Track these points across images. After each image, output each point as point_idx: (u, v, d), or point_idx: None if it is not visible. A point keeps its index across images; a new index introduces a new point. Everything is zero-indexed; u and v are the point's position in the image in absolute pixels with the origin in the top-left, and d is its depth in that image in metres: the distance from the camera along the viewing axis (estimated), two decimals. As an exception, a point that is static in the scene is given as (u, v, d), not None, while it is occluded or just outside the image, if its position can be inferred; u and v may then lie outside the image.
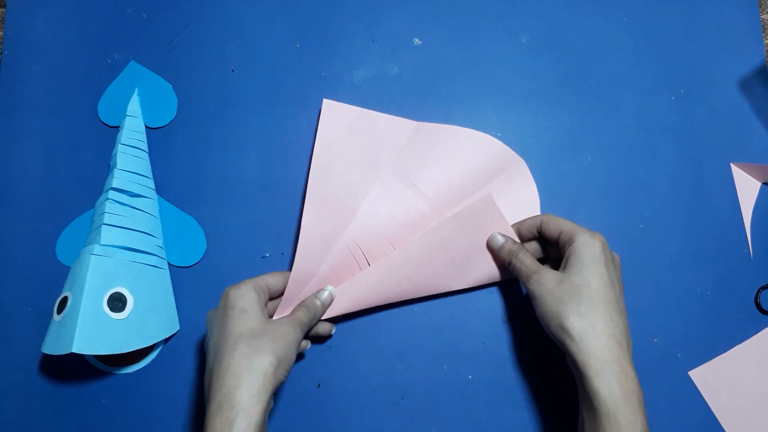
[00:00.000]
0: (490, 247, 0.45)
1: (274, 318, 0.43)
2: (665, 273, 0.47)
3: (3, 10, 0.54)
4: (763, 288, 0.47)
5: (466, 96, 0.50)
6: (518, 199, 0.47)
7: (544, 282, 0.39)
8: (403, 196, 0.46)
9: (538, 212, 0.47)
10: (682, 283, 0.47)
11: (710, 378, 0.46)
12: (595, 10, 0.51)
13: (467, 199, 0.46)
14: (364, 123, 0.47)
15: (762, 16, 0.51)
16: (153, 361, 0.47)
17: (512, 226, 0.45)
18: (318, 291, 0.44)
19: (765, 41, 0.50)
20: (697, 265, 0.47)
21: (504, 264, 0.44)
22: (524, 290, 0.46)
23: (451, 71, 0.50)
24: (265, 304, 0.41)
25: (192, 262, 0.48)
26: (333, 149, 0.46)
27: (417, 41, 0.51)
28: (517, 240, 0.44)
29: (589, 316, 0.36)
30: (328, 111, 0.47)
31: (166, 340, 0.47)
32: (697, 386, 0.46)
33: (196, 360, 0.47)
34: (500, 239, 0.44)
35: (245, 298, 0.39)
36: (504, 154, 0.48)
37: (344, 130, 0.47)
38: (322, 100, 0.47)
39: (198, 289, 0.48)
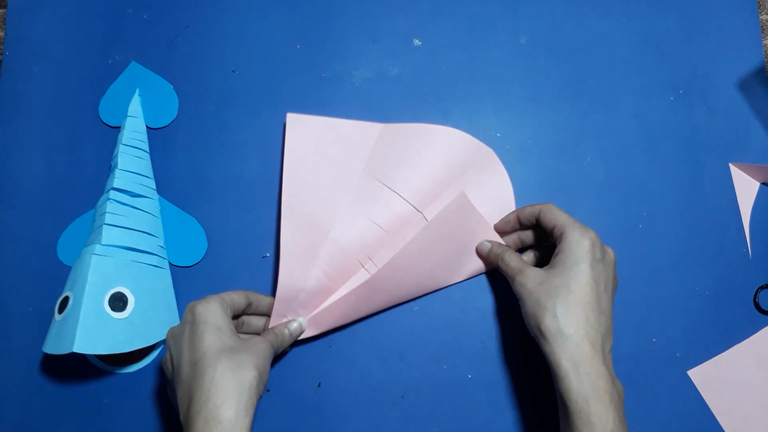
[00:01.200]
0: (480, 254, 0.45)
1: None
2: (664, 273, 0.47)
3: (4, 10, 0.54)
4: (762, 288, 0.47)
5: (466, 96, 0.50)
6: (492, 190, 0.47)
7: (525, 283, 0.39)
8: (378, 200, 0.46)
9: (512, 200, 0.48)
10: (681, 283, 0.47)
11: (709, 377, 0.46)
12: (594, 11, 0.51)
13: (443, 194, 0.46)
14: (330, 131, 0.47)
15: (761, 17, 0.51)
16: (154, 360, 0.47)
17: (513, 212, 0.45)
18: (289, 321, 0.43)
19: (764, 42, 0.51)
20: (696, 265, 0.47)
21: (494, 267, 0.44)
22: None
23: (451, 72, 0.50)
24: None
25: (193, 261, 0.48)
26: (303, 162, 0.46)
27: (417, 42, 0.51)
28: (501, 240, 0.45)
29: (564, 317, 0.36)
30: (294, 124, 0.47)
31: (167, 340, 0.48)
32: (696, 386, 0.46)
33: (196, 359, 0.47)
34: (487, 245, 0.45)
35: (216, 314, 0.38)
36: (473, 145, 0.48)
37: (312, 141, 0.47)
38: (286, 114, 0.46)
39: (199, 288, 0.48)
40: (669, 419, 0.45)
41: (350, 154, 0.47)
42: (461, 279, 0.47)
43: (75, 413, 0.47)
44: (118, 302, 0.43)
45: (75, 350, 0.39)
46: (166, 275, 0.47)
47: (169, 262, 0.48)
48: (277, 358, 0.46)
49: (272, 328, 0.43)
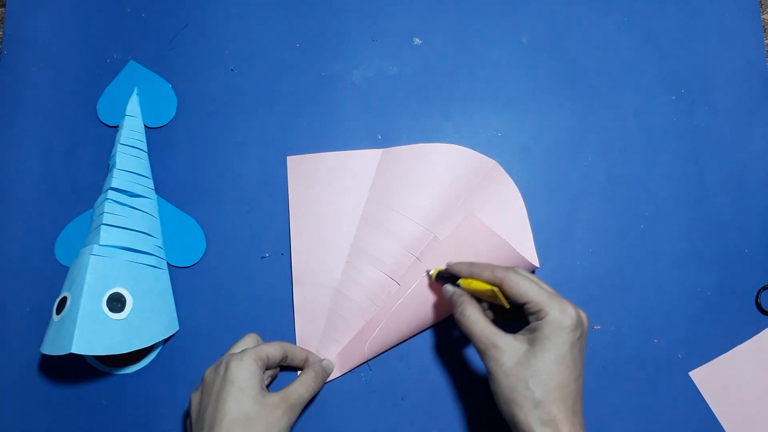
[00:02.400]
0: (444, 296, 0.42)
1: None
2: (666, 273, 0.47)
3: (2, 9, 0.53)
4: (764, 288, 0.47)
5: (466, 96, 0.50)
6: (502, 202, 0.47)
7: (502, 361, 0.35)
8: (389, 227, 0.46)
9: (522, 208, 0.46)
10: (683, 284, 0.47)
11: (711, 378, 0.46)
12: (595, 10, 0.51)
13: (454, 213, 0.46)
14: (332, 166, 0.48)
15: (762, 16, 0.51)
16: (152, 361, 0.47)
17: (466, 266, 0.40)
18: (323, 360, 0.45)
19: (765, 41, 0.50)
20: (697, 265, 0.47)
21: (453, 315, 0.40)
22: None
23: (451, 71, 0.50)
24: (263, 372, 0.41)
25: (191, 262, 0.48)
26: (308, 202, 0.48)
27: (417, 41, 0.51)
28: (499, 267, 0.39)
29: (543, 407, 0.34)
30: (294, 166, 0.48)
31: (166, 341, 0.47)
32: (698, 387, 0.46)
33: (195, 360, 0.47)
34: (450, 288, 0.41)
35: (245, 372, 0.39)
36: (475, 159, 0.47)
37: (314, 179, 0.48)
38: (286, 158, 0.49)
39: (197, 289, 0.48)
40: (670, 420, 0.45)
41: (354, 185, 0.48)
42: None
43: (73, 414, 0.46)
44: (117, 303, 0.43)
45: (73, 351, 0.39)
46: (165, 276, 0.47)
47: (168, 263, 0.48)
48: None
49: (311, 366, 0.44)
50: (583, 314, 0.37)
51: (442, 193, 0.46)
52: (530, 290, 0.36)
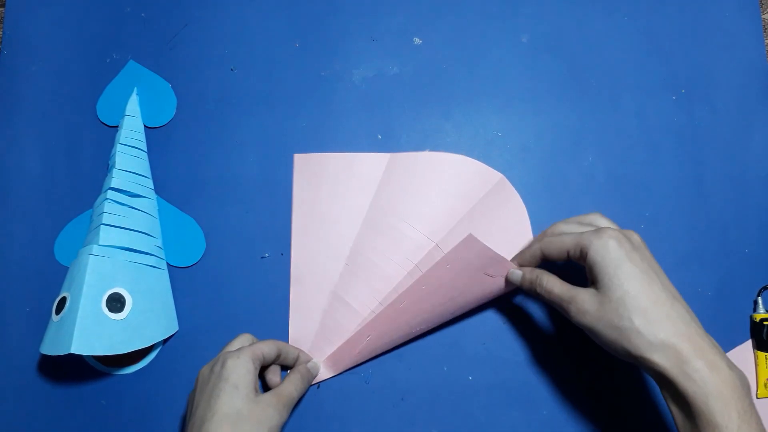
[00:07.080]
0: (511, 283, 0.42)
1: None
2: (666, 273, 0.47)
3: (2, 9, 0.53)
4: (764, 288, 0.47)
5: (466, 96, 0.50)
6: (506, 217, 0.46)
7: (586, 310, 0.36)
8: (390, 233, 0.46)
9: (528, 226, 0.46)
10: (684, 284, 0.46)
11: (711, 379, 0.46)
12: (595, 10, 0.51)
13: (456, 224, 0.46)
14: (338, 167, 0.48)
15: (763, 16, 0.51)
16: (152, 361, 0.47)
17: (513, 259, 0.42)
18: (309, 362, 0.45)
19: (766, 41, 0.50)
20: (698, 266, 0.47)
21: (530, 295, 0.42)
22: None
23: (451, 70, 0.50)
24: (258, 373, 0.41)
25: (191, 262, 0.48)
26: (312, 202, 0.48)
27: (417, 41, 0.51)
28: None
29: (647, 327, 0.33)
30: (300, 165, 0.48)
31: (165, 341, 0.47)
32: (698, 387, 0.46)
33: (195, 360, 0.47)
34: (518, 273, 0.41)
35: (240, 370, 0.39)
36: (482, 171, 0.47)
37: (320, 179, 0.48)
38: (293, 156, 0.49)
39: (197, 289, 0.48)
40: (671, 421, 0.45)
41: (359, 189, 0.48)
42: (476, 305, 0.45)
43: (73, 415, 0.46)
44: (116, 303, 0.43)
45: (72, 351, 0.39)
46: (164, 276, 0.47)
47: (167, 263, 0.48)
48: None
49: (297, 368, 0.44)
50: (627, 231, 0.37)
51: (447, 203, 0.46)
52: (566, 241, 0.38)
